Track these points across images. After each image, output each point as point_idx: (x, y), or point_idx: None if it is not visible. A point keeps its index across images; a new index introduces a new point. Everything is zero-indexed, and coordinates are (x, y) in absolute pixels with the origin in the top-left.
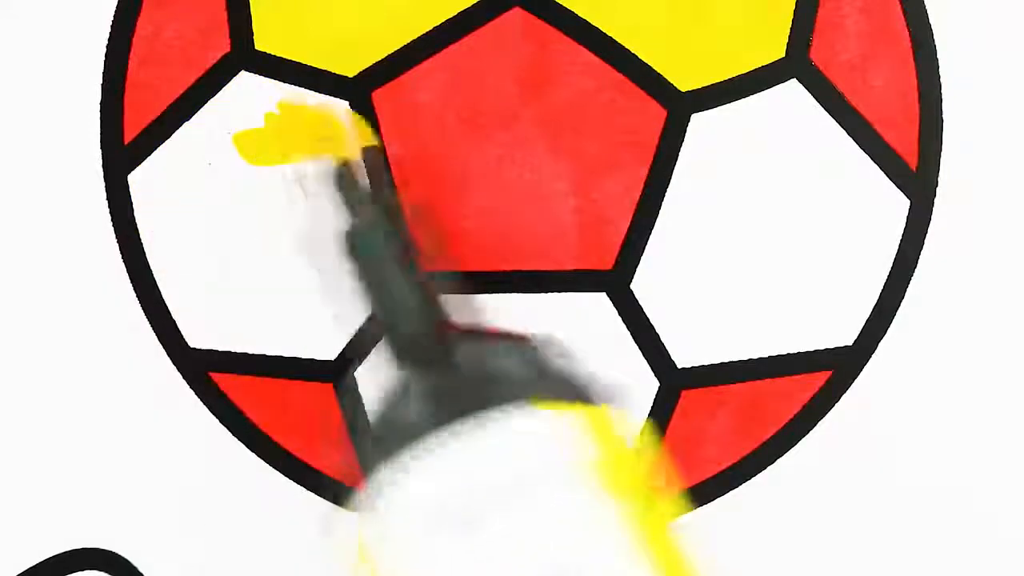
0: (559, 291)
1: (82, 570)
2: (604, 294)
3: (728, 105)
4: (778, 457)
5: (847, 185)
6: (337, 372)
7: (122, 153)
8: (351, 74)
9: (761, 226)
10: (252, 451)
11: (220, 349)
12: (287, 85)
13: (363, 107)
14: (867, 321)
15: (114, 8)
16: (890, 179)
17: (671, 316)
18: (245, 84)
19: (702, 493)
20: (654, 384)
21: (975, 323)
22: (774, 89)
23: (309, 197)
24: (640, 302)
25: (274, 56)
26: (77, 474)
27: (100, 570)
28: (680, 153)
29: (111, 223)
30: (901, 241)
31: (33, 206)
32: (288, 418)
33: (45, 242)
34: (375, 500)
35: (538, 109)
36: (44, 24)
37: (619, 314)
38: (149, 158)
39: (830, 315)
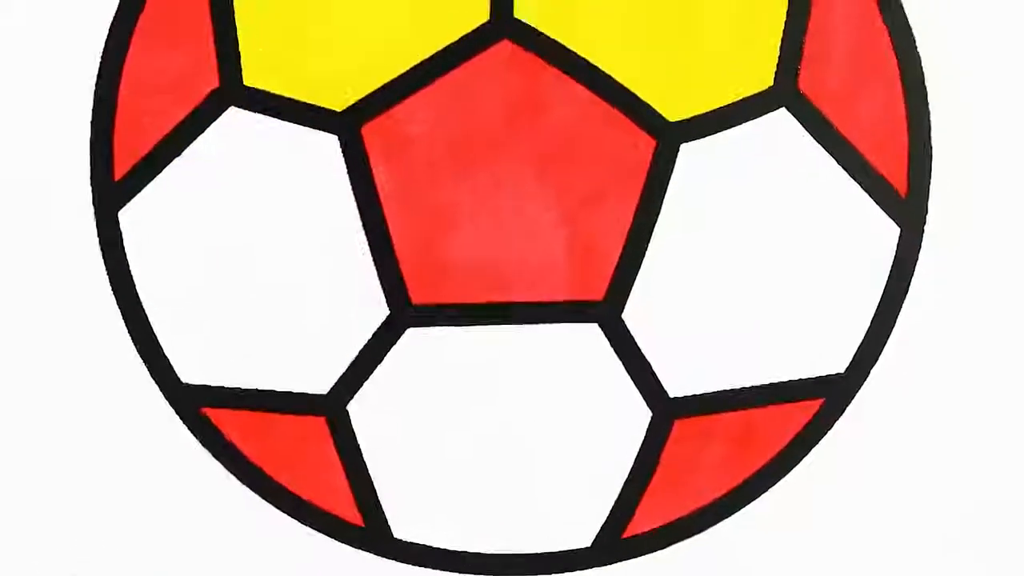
0: (551, 322)
1: None
2: (595, 324)
3: (717, 135)
4: (771, 485)
5: (837, 213)
6: (330, 406)
7: (113, 189)
8: (340, 108)
9: (751, 254)
10: (246, 485)
11: (213, 384)
12: (276, 120)
13: (352, 141)
14: (859, 349)
15: (103, 46)
16: (880, 207)
17: (663, 346)
18: (234, 119)
19: (696, 522)
20: (647, 414)
21: (966, 349)
22: (763, 118)
23: None
24: (632, 332)
25: (263, 91)
26: (70, 509)
27: None
28: (670, 182)
29: (102, 259)
30: (892, 268)
31: (25, 242)
32: (281, 452)
33: (38, 277)
34: None
35: (528, 140)
36: (34, 60)
37: (611, 344)
38: (140, 194)
39: (821, 343)
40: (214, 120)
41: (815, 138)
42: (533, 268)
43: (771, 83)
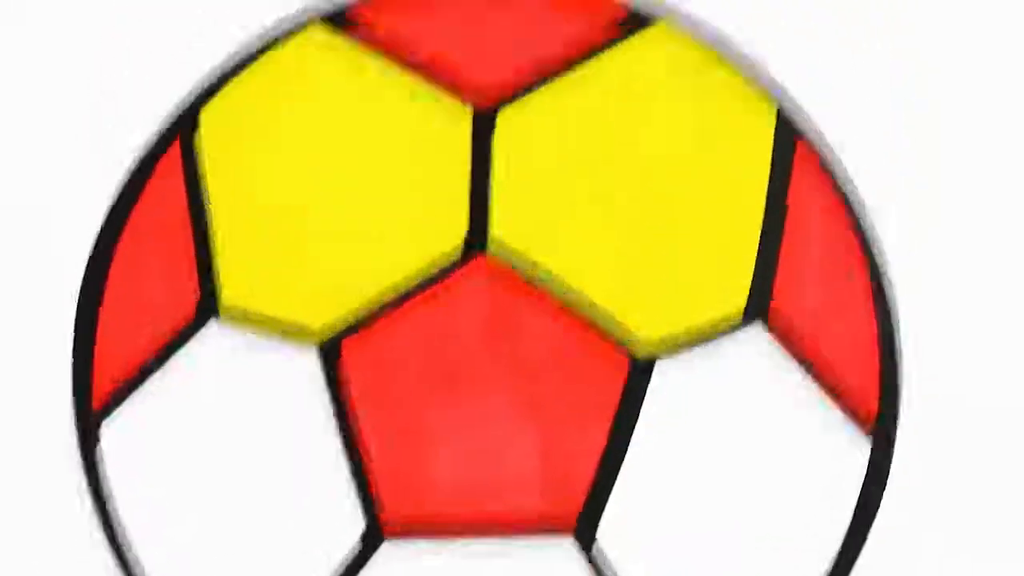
0: (525, 539)
1: None
2: (570, 546)
3: (691, 353)
4: None
5: (809, 430)
6: None
7: (93, 407)
8: (319, 326)
9: (724, 473)
10: None
11: None
12: (256, 338)
13: (330, 359)
14: (832, 567)
15: (85, 263)
16: (851, 422)
17: (637, 568)
18: (214, 337)
19: None
20: None
21: (939, 564)
22: (736, 338)
23: None
24: (605, 553)
25: (242, 309)
26: None
27: None
28: (644, 401)
29: (84, 478)
30: (863, 485)
31: (6, 466)
32: None
33: (19, 494)
34: None
35: (503, 359)
36: (16, 282)
37: (586, 566)
38: (119, 411)
39: (794, 562)
40: (193, 337)
41: (788, 357)
42: (508, 489)
43: (744, 303)
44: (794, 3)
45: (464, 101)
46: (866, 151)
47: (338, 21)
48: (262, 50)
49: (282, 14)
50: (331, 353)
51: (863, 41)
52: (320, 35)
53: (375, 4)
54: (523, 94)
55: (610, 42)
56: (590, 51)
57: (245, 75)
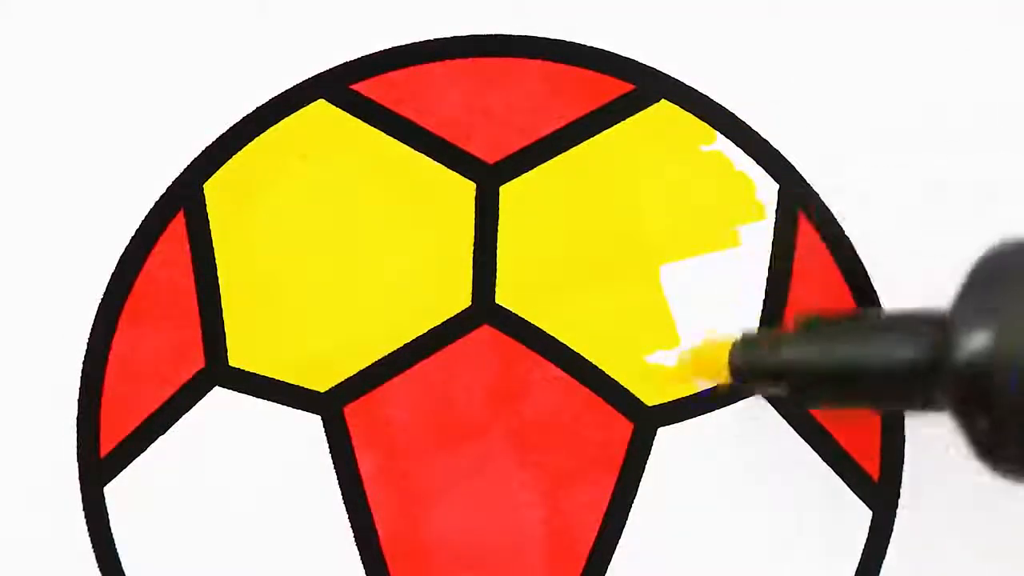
0: None
1: None
2: None
3: (693, 420)
4: None
5: (810, 496)
6: None
7: (98, 466)
8: (323, 389)
9: (726, 537)
10: None
11: None
12: (260, 400)
13: (335, 422)
14: None
15: (91, 325)
16: (852, 490)
17: None
18: (219, 399)
19: None
20: None
21: None
22: (739, 403)
23: None
24: None
25: (247, 372)
26: None
27: None
28: (647, 465)
29: (88, 535)
30: (863, 552)
31: (11, 518)
32: None
33: (23, 546)
34: None
35: (507, 423)
36: (23, 340)
37: None
38: (125, 471)
39: None
40: (199, 399)
41: (789, 423)
42: (510, 548)
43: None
44: (799, 80)
45: (467, 176)
46: (871, 225)
47: (341, 97)
48: (267, 123)
49: (287, 88)
50: (335, 418)
51: (871, 117)
52: (323, 110)
53: (378, 80)
54: (526, 170)
55: (612, 119)
56: (592, 128)
57: (251, 146)
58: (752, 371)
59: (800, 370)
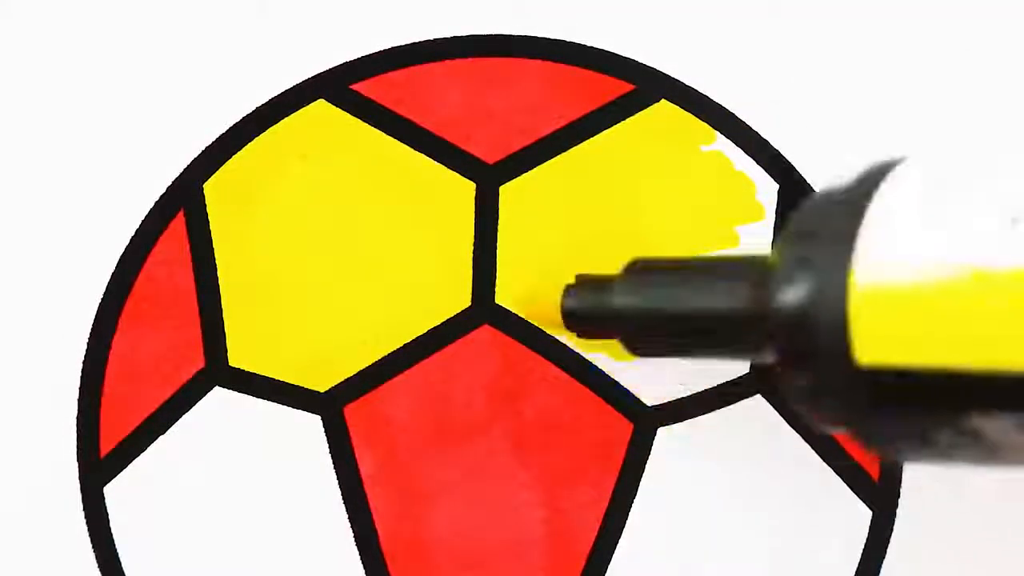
0: None
1: None
2: None
3: (693, 420)
4: None
5: (810, 496)
6: None
7: (98, 466)
8: (323, 390)
9: (725, 537)
10: None
11: None
12: (260, 400)
13: (335, 422)
14: None
15: (91, 324)
16: (852, 490)
17: None
18: (219, 399)
19: None
20: None
21: None
22: (739, 404)
23: None
24: None
25: (247, 372)
26: None
27: None
28: (647, 465)
29: (88, 535)
30: (863, 552)
31: (11, 518)
32: None
33: (23, 546)
34: None
35: (507, 423)
36: (22, 340)
37: None
38: (125, 471)
39: None
40: (199, 399)
41: (790, 424)
42: (510, 547)
43: (747, 371)
44: (799, 80)
45: (467, 176)
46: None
47: (341, 97)
48: (267, 123)
49: (287, 88)
50: (335, 418)
51: (871, 117)
52: (323, 110)
53: (378, 80)
54: (526, 170)
55: (612, 119)
56: (592, 128)
57: (251, 146)
58: (583, 317)
59: (629, 316)
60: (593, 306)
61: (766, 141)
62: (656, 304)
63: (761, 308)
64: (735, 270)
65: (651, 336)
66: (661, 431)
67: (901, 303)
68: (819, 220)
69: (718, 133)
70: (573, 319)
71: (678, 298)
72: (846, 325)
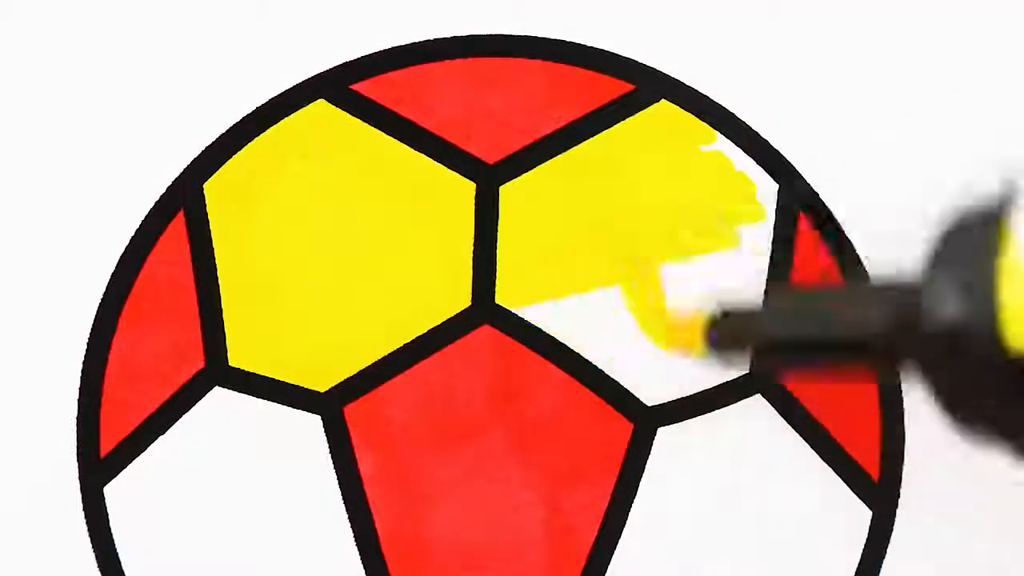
0: None
1: None
2: None
3: (693, 420)
4: None
5: (810, 496)
6: None
7: (98, 466)
8: (323, 389)
9: (725, 537)
10: None
11: None
12: (260, 400)
13: (335, 422)
14: None
15: (91, 324)
16: (852, 490)
17: None
18: (219, 399)
19: None
20: None
21: None
22: (738, 403)
23: None
24: None
25: (247, 372)
26: None
27: None
28: (646, 465)
29: (88, 535)
30: (863, 552)
31: (11, 518)
32: None
33: (23, 546)
34: None
35: (507, 423)
36: (22, 341)
37: None
38: (125, 471)
39: None
40: (199, 399)
41: (789, 423)
42: (511, 548)
43: (747, 370)
44: (799, 80)
45: (467, 176)
46: (871, 225)
47: (341, 97)
48: (267, 123)
49: (287, 88)
50: (335, 418)
51: (871, 117)
52: (323, 110)
53: (378, 80)
54: (525, 170)
55: (612, 119)
56: (592, 128)
57: (251, 146)
58: (728, 348)
59: (774, 339)
60: (741, 337)
61: (766, 141)
62: (801, 326)
63: (912, 325)
64: (879, 290)
65: (796, 357)
66: (661, 431)
67: None
68: (961, 239)
69: (718, 133)
70: (717, 350)
71: (824, 318)
72: (998, 332)
